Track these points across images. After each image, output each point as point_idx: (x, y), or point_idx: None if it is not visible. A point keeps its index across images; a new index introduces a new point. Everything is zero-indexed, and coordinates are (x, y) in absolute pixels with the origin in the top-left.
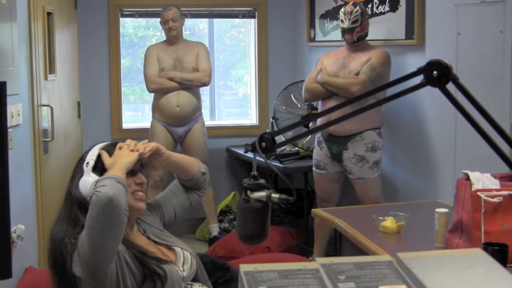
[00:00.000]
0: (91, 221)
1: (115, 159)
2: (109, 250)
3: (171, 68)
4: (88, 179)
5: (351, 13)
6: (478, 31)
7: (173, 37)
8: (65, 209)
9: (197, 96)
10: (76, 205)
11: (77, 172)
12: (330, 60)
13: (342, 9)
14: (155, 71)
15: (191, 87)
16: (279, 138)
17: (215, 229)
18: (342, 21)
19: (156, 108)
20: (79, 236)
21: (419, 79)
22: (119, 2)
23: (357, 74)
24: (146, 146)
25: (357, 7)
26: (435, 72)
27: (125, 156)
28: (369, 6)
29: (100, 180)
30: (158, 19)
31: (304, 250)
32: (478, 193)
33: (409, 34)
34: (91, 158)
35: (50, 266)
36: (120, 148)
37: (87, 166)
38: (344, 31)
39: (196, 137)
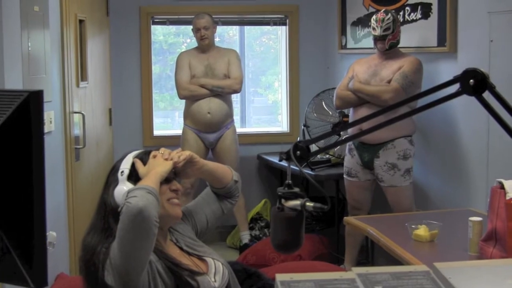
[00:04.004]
0: (122, 231)
1: (149, 168)
2: (140, 261)
3: (202, 75)
4: (123, 188)
5: (382, 20)
6: (511, 38)
7: (205, 45)
8: (98, 218)
9: (229, 103)
10: (110, 215)
11: (111, 181)
12: (362, 67)
13: (374, 17)
14: (187, 77)
15: (222, 94)
16: (311, 146)
17: (245, 237)
18: (373, 28)
19: (187, 115)
20: (111, 245)
21: (452, 87)
22: (151, 9)
23: (389, 81)
24: (180, 155)
25: (389, 15)
26: (471, 80)
27: (159, 165)
28: (401, 13)
29: (132, 191)
30: (188, 26)
31: (336, 258)
32: None
33: (441, 41)
34: (125, 167)
35: (82, 275)
36: (154, 156)
37: (122, 175)
38: (376, 39)
39: (228, 144)
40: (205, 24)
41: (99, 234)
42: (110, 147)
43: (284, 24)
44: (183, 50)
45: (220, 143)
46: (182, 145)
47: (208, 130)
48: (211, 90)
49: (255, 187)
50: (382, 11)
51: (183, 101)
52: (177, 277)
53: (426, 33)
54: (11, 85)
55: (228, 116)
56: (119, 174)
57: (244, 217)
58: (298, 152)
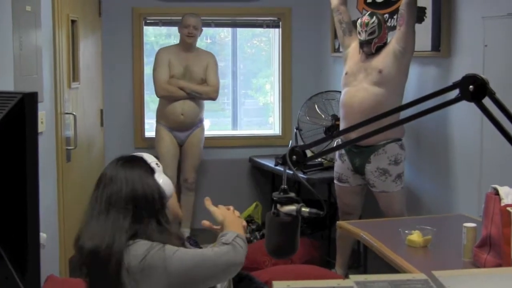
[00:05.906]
0: (213, 267)
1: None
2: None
3: (180, 76)
4: (167, 179)
5: (367, 24)
6: (506, 43)
7: (189, 44)
8: (118, 210)
9: (201, 105)
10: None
11: (141, 171)
12: (354, 59)
13: (359, 21)
14: (166, 77)
15: (199, 99)
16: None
17: (186, 233)
18: (359, 33)
19: (161, 114)
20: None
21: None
22: (143, 10)
23: (380, 71)
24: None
25: (374, 18)
26: (471, 86)
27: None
28: (395, 17)
29: (243, 240)
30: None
31: (327, 262)
32: (508, 208)
33: (435, 46)
34: (154, 160)
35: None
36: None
37: (158, 166)
38: (362, 44)
39: (194, 142)
40: (195, 23)
41: (123, 227)
42: (102, 148)
43: (277, 26)
44: (163, 46)
45: (188, 141)
46: (157, 142)
47: (180, 129)
48: (189, 94)
49: (247, 190)
50: (367, 14)
51: (158, 99)
52: None
53: (420, 37)
54: (2, 86)
55: (199, 116)
56: (155, 164)
57: (189, 213)
58: (294, 156)
